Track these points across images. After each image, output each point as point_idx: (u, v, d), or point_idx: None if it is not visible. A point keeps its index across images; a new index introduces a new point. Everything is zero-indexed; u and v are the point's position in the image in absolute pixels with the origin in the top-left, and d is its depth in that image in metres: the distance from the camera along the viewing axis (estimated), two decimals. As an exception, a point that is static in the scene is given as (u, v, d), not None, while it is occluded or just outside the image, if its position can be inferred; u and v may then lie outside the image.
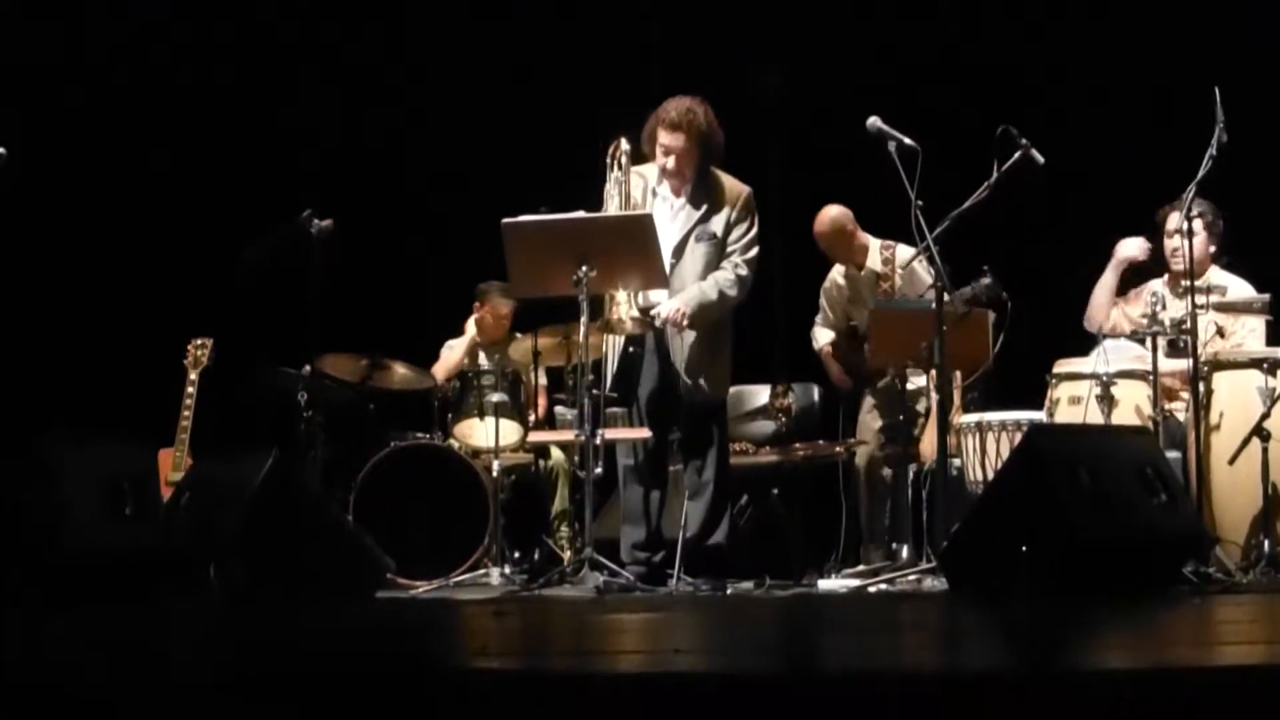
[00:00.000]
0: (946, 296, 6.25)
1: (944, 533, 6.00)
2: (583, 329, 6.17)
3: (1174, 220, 6.80)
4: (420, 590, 7.03)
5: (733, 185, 6.57)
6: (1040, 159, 6.37)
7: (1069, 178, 7.31)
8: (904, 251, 7.51)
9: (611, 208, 6.42)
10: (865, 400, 7.80)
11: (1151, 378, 6.37)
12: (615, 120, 6.54)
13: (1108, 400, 6.55)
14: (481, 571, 7.31)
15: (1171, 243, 6.85)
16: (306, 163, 9.00)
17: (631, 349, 6.50)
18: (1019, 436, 6.51)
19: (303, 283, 7.27)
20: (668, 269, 6.34)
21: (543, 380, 8.21)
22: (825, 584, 6.95)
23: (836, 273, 7.91)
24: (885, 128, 6.36)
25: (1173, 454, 6.28)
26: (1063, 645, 3.57)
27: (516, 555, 7.85)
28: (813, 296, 8.02)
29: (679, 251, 6.48)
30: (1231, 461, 6.16)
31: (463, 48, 9.27)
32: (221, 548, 5.65)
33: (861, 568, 7.35)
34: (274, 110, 9.25)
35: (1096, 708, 2.47)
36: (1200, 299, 6.29)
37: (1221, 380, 6.35)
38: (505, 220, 6.18)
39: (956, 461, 7.05)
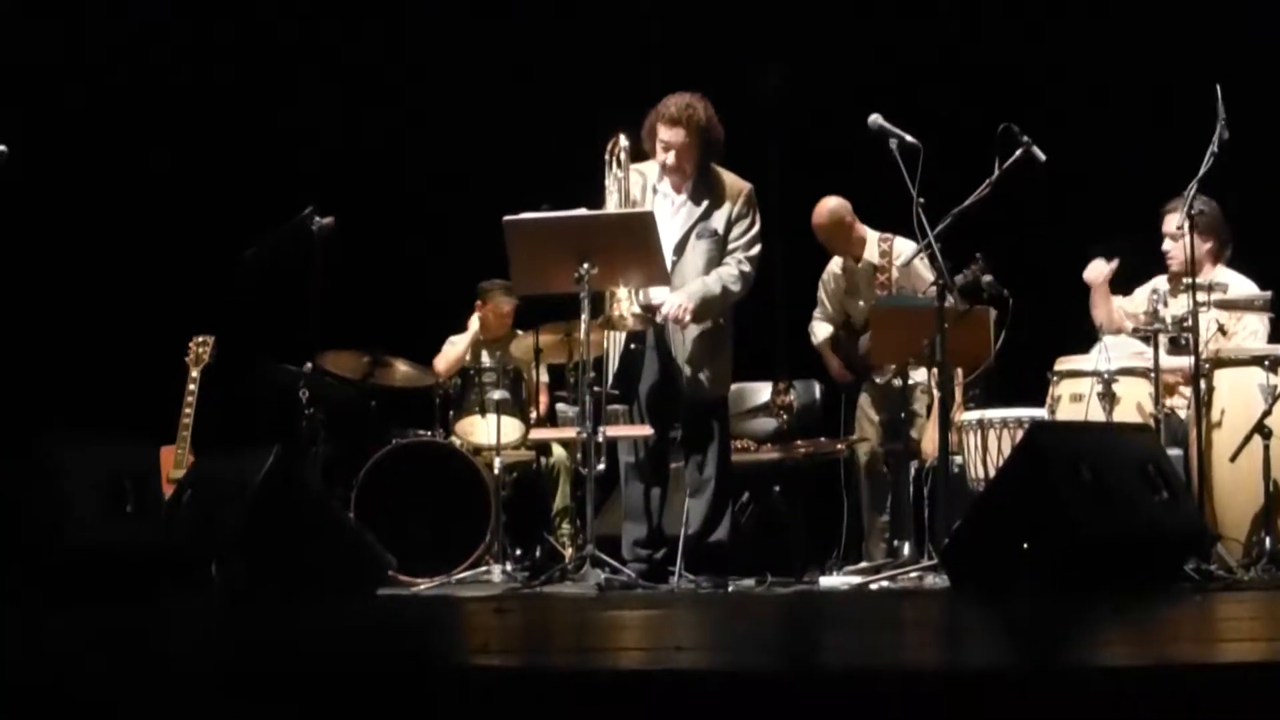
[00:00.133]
0: (949, 297, 6.26)
1: (945, 530, 6.00)
2: (584, 326, 6.17)
3: (1169, 223, 6.81)
4: (421, 588, 7.03)
5: (733, 182, 6.57)
6: (1042, 156, 6.37)
7: (1070, 175, 7.31)
8: (902, 244, 7.52)
9: (610, 204, 6.42)
10: (863, 395, 7.80)
11: (1153, 375, 6.36)
12: (616, 118, 6.54)
13: (1109, 397, 6.55)
14: (483, 569, 7.31)
15: (1166, 245, 6.85)
16: (307, 160, 9.00)
17: (633, 345, 6.50)
18: (1020, 434, 6.51)
19: (304, 280, 7.28)
20: (669, 266, 6.33)
21: (544, 378, 8.21)
22: (827, 581, 6.96)
23: (834, 265, 7.92)
24: (886, 125, 6.37)
25: (1174, 451, 6.28)
26: (1064, 642, 3.57)
27: (518, 553, 7.86)
28: (814, 294, 8.02)
29: (680, 248, 6.48)
30: (1233, 459, 6.16)
31: (464, 46, 9.27)
32: (223, 545, 5.65)
33: (863, 565, 7.36)
34: (275, 108, 9.25)
35: (1098, 705, 2.47)
36: (1201, 296, 6.28)
37: (1223, 377, 6.35)
38: (507, 218, 6.18)
39: (958, 459, 7.05)
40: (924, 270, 7.11)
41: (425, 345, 8.44)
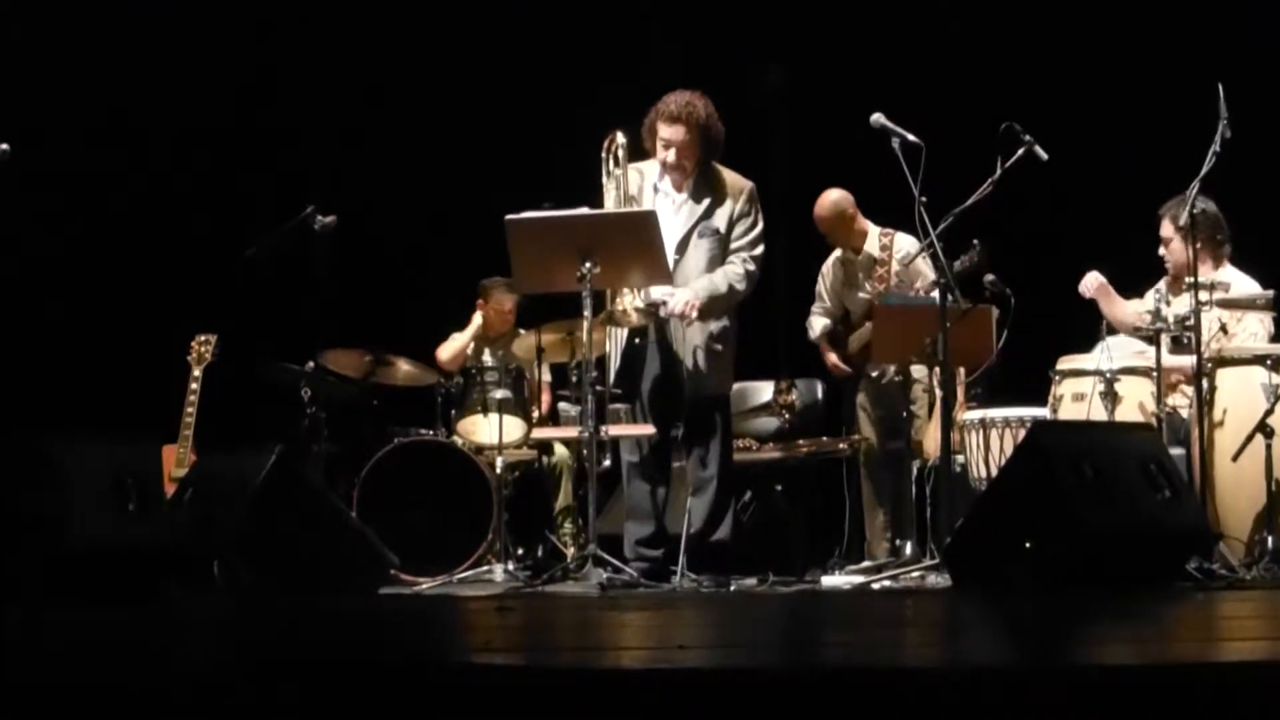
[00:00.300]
0: (950, 297, 6.26)
1: (948, 529, 6.00)
2: (586, 325, 6.17)
3: (1164, 228, 6.82)
4: (423, 587, 7.02)
5: (735, 180, 6.57)
6: (1044, 155, 6.38)
7: (1073, 174, 7.30)
8: (903, 239, 7.54)
9: (608, 202, 6.42)
10: (861, 393, 7.80)
11: (1155, 374, 6.36)
12: (619, 117, 6.54)
13: (1111, 396, 6.55)
14: (485, 568, 7.30)
15: (1162, 249, 6.86)
16: (310, 159, 9.00)
17: (637, 340, 6.50)
18: (1022, 433, 6.51)
19: (306, 279, 7.28)
20: (671, 265, 6.33)
21: (546, 376, 8.20)
22: (829, 580, 6.96)
23: (833, 258, 7.93)
24: (889, 124, 6.37)
25: (1176, 450, 6.28)
26: (1066, 640, 3.58)
27: (520, 552, 7.85)
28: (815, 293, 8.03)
29: (682, 247, 6.47)
30: (1235, 458, 6.16)
31: (465, 46, 9.26)
32: (225, 544, 5.65)
33: (865, 564, 7.36)
34: (277, 107, 9.25)
35: (1100, 703, 2.47)
36: (1204, 295, 6.28)
37: (1225, 376, 6.35)
38: (509, 216, 6.18)
39: (960, 458, 7.05)
40: (925, 267, 7.11)
41: (427, 344, 8.44)
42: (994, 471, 6.68)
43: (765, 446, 7.91)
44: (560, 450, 8.11)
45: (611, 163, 6.45)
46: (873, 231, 7.76)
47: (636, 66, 8.57)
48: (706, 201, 6.52)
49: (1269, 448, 6.10)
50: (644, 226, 6.19)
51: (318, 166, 8.87)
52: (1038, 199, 7.43)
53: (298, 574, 5.70)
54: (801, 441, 7.86)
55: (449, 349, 8.38)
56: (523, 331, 8.15)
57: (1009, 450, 6.60)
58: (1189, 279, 6.31)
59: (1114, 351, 6.64)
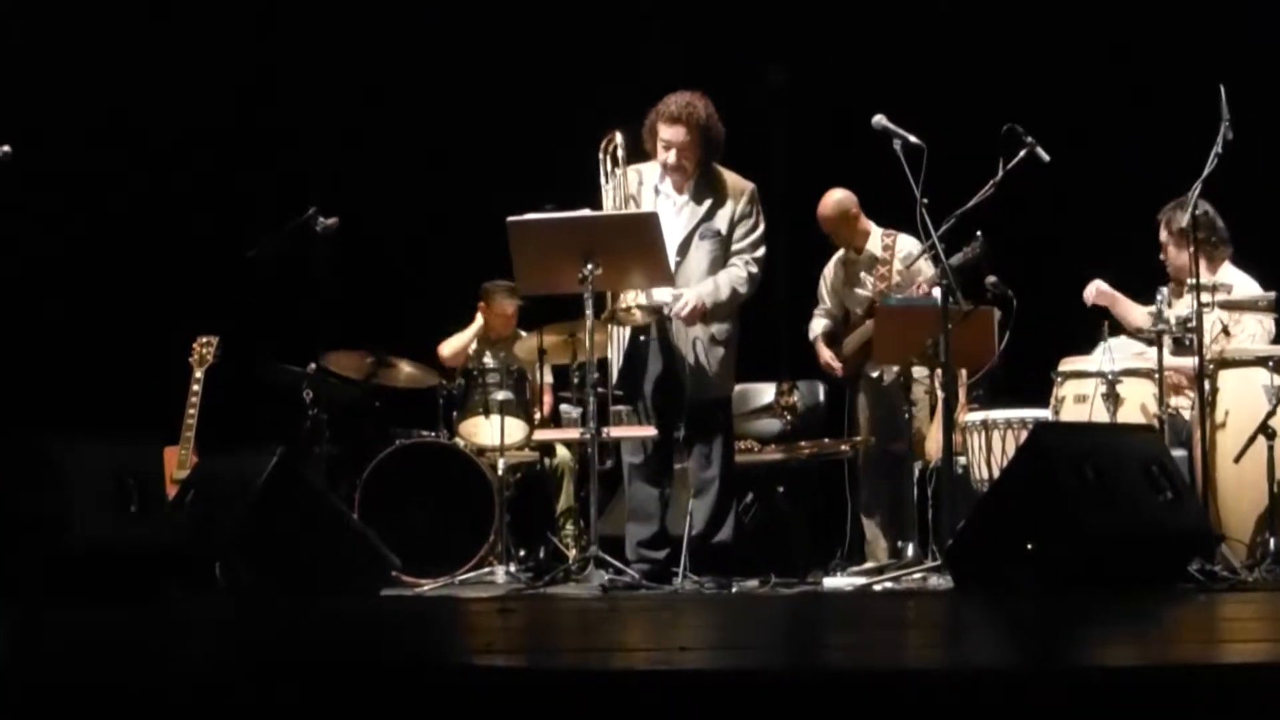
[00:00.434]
0: (952, 299, 6.25)
1: (949, 530, 6.00)
2: (588, 327, 6.16)
3: (1161, 233, 6.82)
4: (425, 588, 7.02)
5: (736, 181, 6.56)
6: (1045, 157, 6.37)
7: (1074, 175, 7.30)
8: (905, 240, 7.55)
9: (607, 203, 6.42)
10: (860, 394, 7.79)
11: (1157, 375, 6.36)
12: (618, 117, 6.54)
13: (1113, 398, 6.55)
14: (486, 570, 7.31)
15: (1163, 253, 6.86)
16: (310, 159, 9.00)
17: (642, 337, 6.50)
18: (1024, 434, 6.51)
19: (308, 280, 7.27)
20: (672, 267, 6.33)
21: (548, 378, 8.20)
22: (830, 582, 6.96)
23: (834, 260, 7.93)
24: (890, 125, 6.36)
25: (1178, 452, 6.27)
26: (1068, 642, 3.57)
27: (522, 553, 7.85)
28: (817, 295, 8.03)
29: (684, 249, 6.47)
30: (1237, 459, 6.16)
31: (466, 46, 9.27)
32: (226, 545, 5.65)
33: (867, 565, 7.36)
34: (277, 107, 9.26)
35: (1102, 704, 2.47)
36: (1205, 297, 6.28)
37: (1227, 378, 6.35)
38: (511, 218, 6.18)
39: (962, 459, 7.05)
40: (927, 268, 7.11)
41: (428, 345, 8.44)
42: (996, 473, 6.68)
43: (767, 448, 7.91)
44: (562, 452, 8.11)
45: (609, 163, 6.45)
46: (875, 232, 7.76)
47: (636, 67, 8.57)
48: (708, 203, 6.51)
49: (1271, 449, 6.10)
50: (646, 228, 6.19)
51: (318, 167, 8.87)
52: (1039, 201, 7.42)
53: (298, 575, 5.70)
54: (803, 443, 7.86)
55: (451, 345, 8.39)
56: (524, 333, 8.15)
57: (1011, 452, 6.60)
58: (1190, 281, 6.31)
59: (1116, 353, 6.64)
